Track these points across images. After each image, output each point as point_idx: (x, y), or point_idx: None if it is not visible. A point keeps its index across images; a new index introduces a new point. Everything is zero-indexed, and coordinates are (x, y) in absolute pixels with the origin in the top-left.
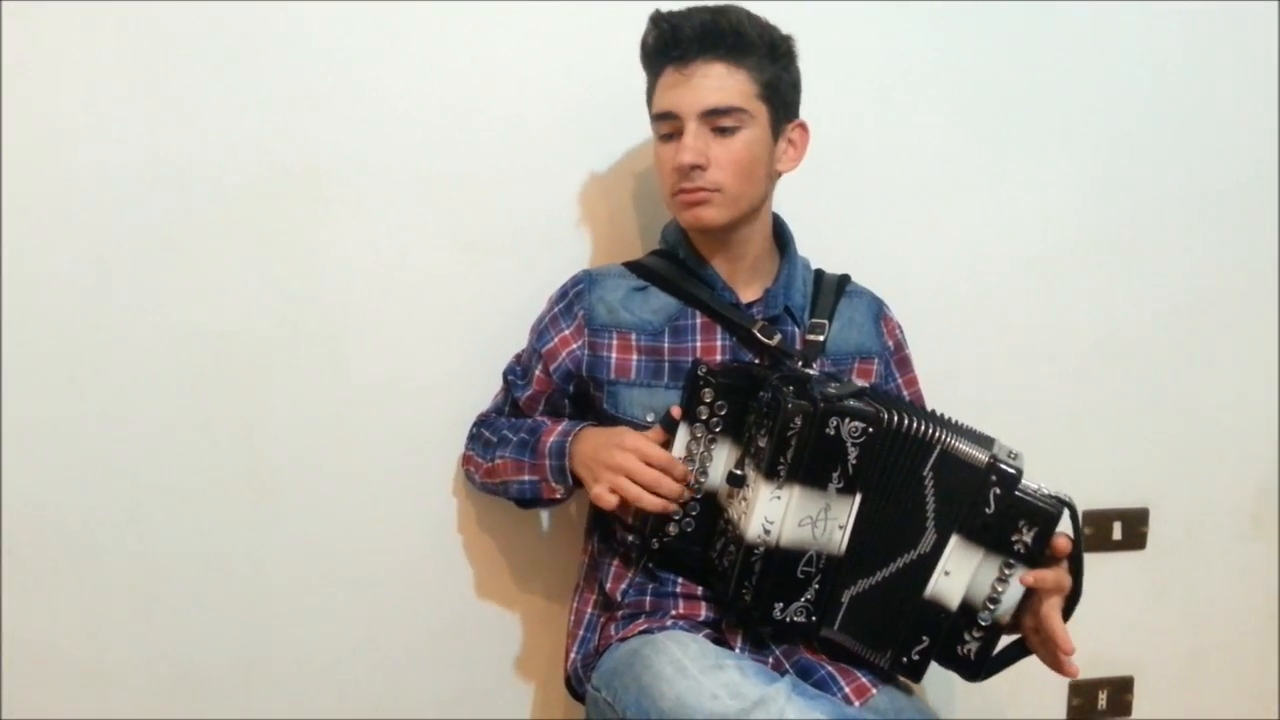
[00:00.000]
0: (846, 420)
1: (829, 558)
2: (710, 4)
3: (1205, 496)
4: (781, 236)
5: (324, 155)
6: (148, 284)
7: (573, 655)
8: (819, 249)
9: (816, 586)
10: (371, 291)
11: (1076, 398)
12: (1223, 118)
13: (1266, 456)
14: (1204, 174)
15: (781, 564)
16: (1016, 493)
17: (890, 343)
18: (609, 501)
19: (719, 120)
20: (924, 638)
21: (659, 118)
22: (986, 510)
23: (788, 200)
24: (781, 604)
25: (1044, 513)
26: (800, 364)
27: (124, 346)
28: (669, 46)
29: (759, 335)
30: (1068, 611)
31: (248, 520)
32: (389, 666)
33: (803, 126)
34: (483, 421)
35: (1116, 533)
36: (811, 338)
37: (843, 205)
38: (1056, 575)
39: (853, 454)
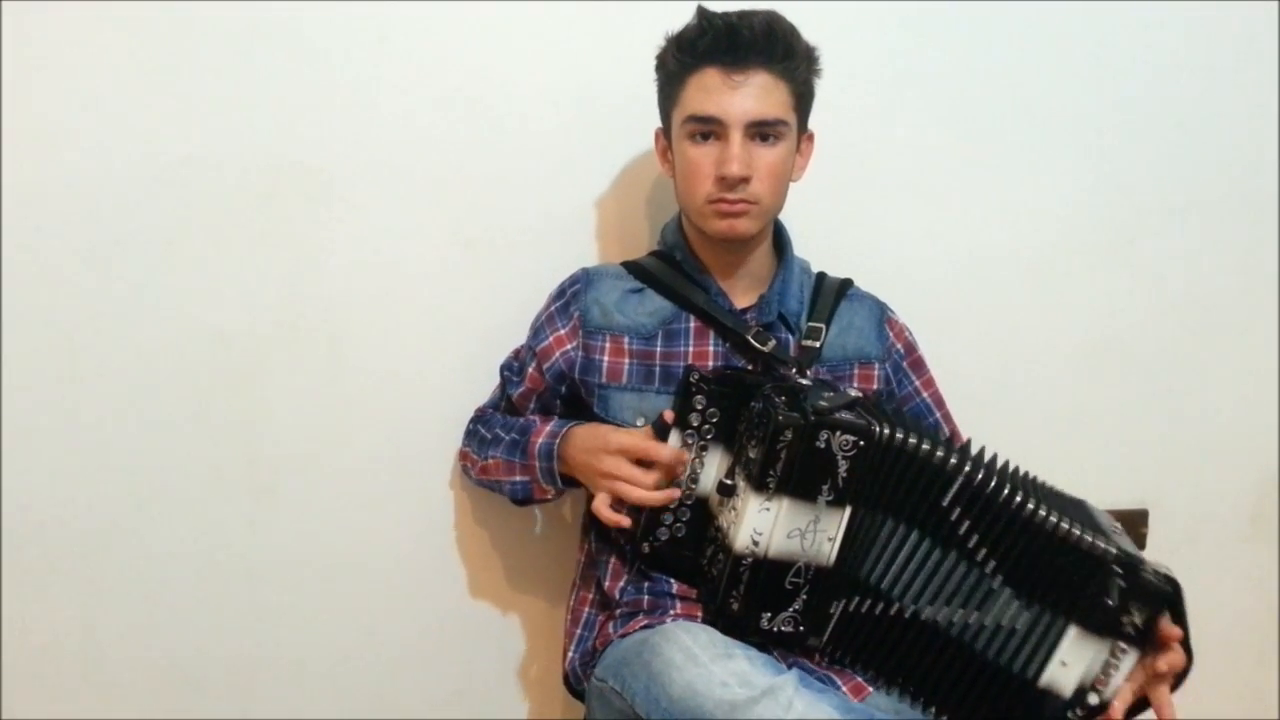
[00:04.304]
0: (837, 433)
1: (818, 569)
2: (752, 8)
3: (1205, 497)
4: (780, 241)
5: (325, 153)
6: (147, 282)
7: (571, 654)
8: (817, 250)
9: (805, 597)
10: (372, 290)
11: (1076, 398)
12: (1223, 117)
13: (1266, 457)
14: (1204, 174)
15: (769, 575)
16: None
17: (899, 346)
18: (613, 519)
19: (762, 130)
20: None
21: (697, 120)
22: (1109, 602)
23: (787, 201)
24: (769, 614)
25: (1160, 595)
26: (794, 370)
27: (123, 345)
28: (721, 49)
29: (752, 341)
30: (1175, 685)
31: (247, 519)
32: (387, 664)
33: (811, 136)
34: (479, 418)
35: None
36: (807, 343)
37: (840, 206)
38: (1175, 660)
39: (843, 467)
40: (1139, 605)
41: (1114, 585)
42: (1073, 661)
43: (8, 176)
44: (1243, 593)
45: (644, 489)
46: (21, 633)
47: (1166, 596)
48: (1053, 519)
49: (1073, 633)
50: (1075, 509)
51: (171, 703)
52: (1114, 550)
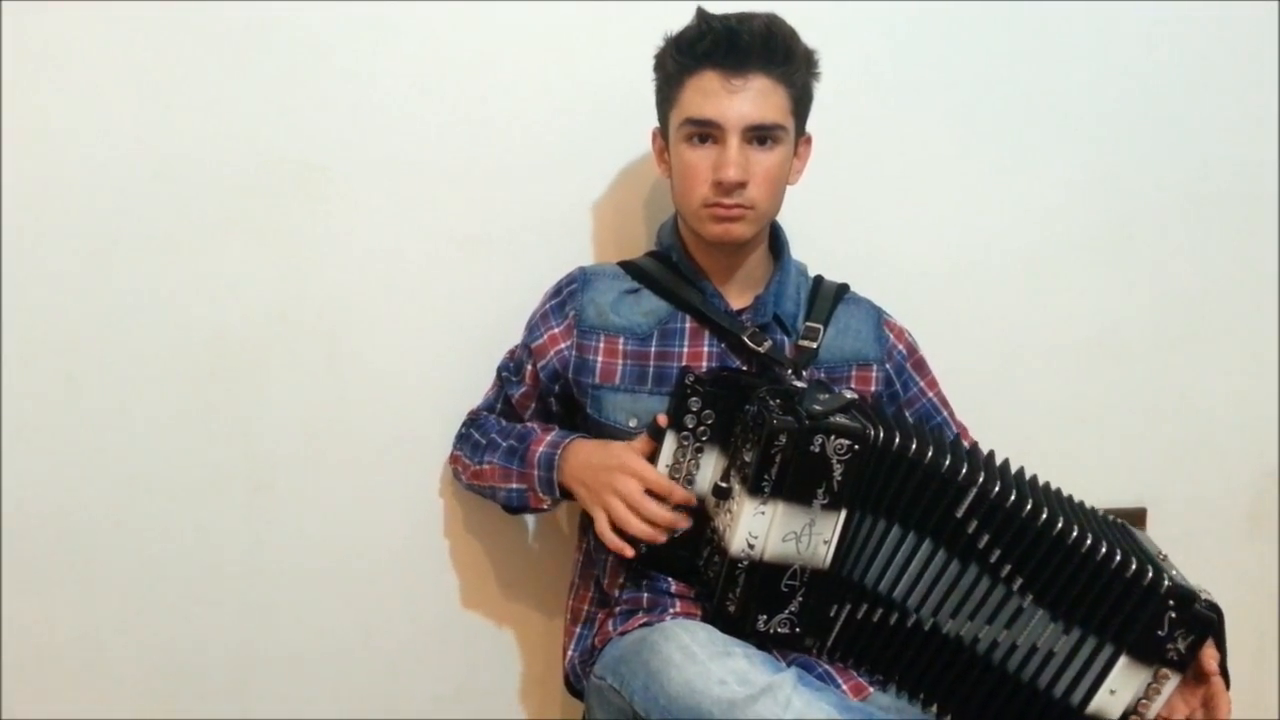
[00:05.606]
0: (832, 437)
1: (814, 572)
2: (751, 10)
3: (1203, 496)
4: (776, 243)
5: (324, 151)
6: (146, 279)
7: (570, 653)
8: (814, 252)
9: (801, 600)
10: (370, 288)
11: (1074, 397)
12: (1222, 115)
13: (1265, 456)
14: (1203, 171)
15: (765, 577)
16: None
17: (900, 348)
18: (617, 545)
19: (760, 134)
20: None
21: (695, 123)
22: (1159, 633)
23: (785, 203)
24: (765, 616)
25: (1205, 623)
26: (790, 371)
27: (122, 342)
28: (721, 52)
29: (748, 341)
30: None
31: (246, 517)
32: (387, 664)
33: (808, 139)
34: (472, 421)
35: None
36: (804, 343)
37: (837, 204)
38: (1228, 707)
39: (838, 471)
40: (1184, 632)
41: (1166, 617)
42: (1121, 689)
43: (8, 175)
44: (1242, 591)
45: (649, 523)
46: (21, 633)
47: (1212, 624)
48: (1088, 541)
49: (1123, 661)
50: (1117, 532)
51: (171, 702)
52: (1168, 582)
